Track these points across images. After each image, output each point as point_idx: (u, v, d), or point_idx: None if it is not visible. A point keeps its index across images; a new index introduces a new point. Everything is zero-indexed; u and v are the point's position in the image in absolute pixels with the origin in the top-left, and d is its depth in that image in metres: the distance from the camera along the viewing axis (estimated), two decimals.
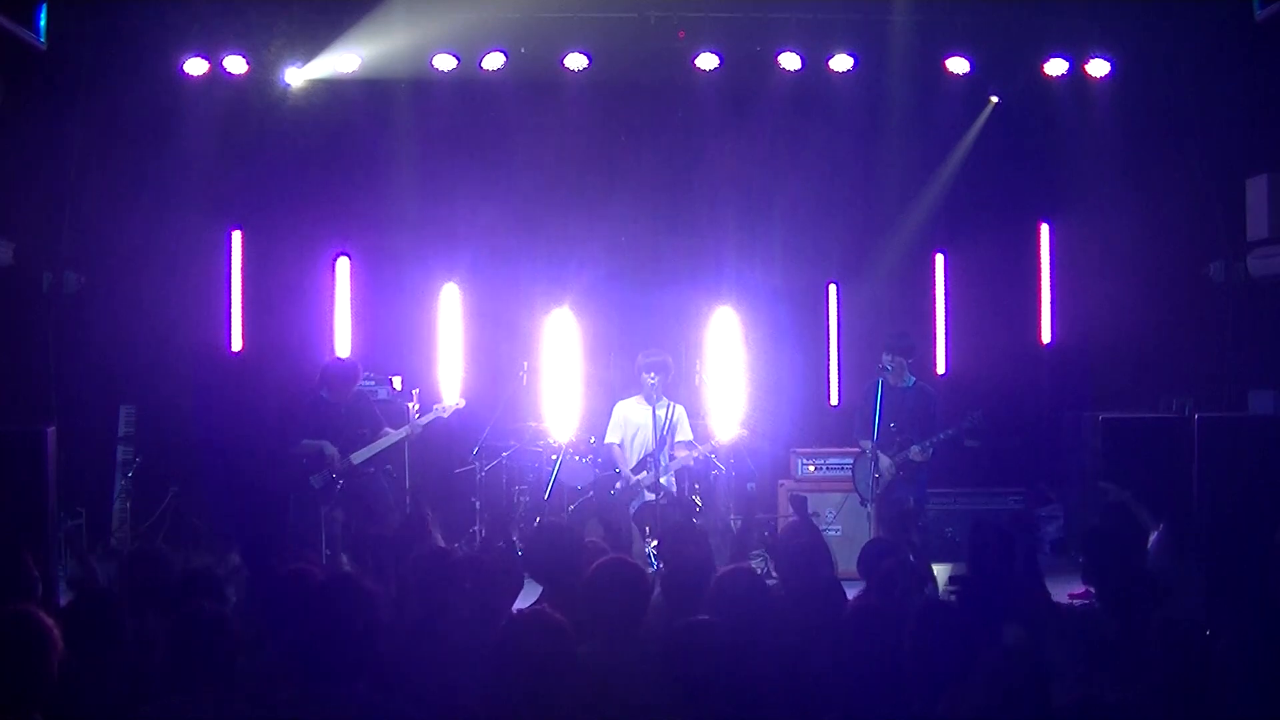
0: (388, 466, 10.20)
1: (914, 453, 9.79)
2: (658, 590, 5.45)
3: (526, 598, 5.57)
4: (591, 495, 10.50)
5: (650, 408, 10.26)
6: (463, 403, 10.59)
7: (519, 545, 9.59)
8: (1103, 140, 11.97)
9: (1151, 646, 4.65)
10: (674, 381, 10.53)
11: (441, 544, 6.62)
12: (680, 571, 5.43)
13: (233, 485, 11.04)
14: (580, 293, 12.34)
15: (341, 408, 9.92)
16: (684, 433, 10.34)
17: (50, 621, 4.08)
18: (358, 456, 9.83)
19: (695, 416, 10.87)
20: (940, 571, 8.18)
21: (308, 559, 6.51)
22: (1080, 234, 12.48)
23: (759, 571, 6.80)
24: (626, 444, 10.39)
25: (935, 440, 9.82)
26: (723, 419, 11.35)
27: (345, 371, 10.11)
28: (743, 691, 4.31)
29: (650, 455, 10.13)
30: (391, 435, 10.00)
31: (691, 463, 10.31)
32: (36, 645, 4.01)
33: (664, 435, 10.12)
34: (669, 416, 10.19)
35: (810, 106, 12.01)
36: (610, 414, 10.70)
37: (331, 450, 9.75)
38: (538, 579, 5.71)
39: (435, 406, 10.43)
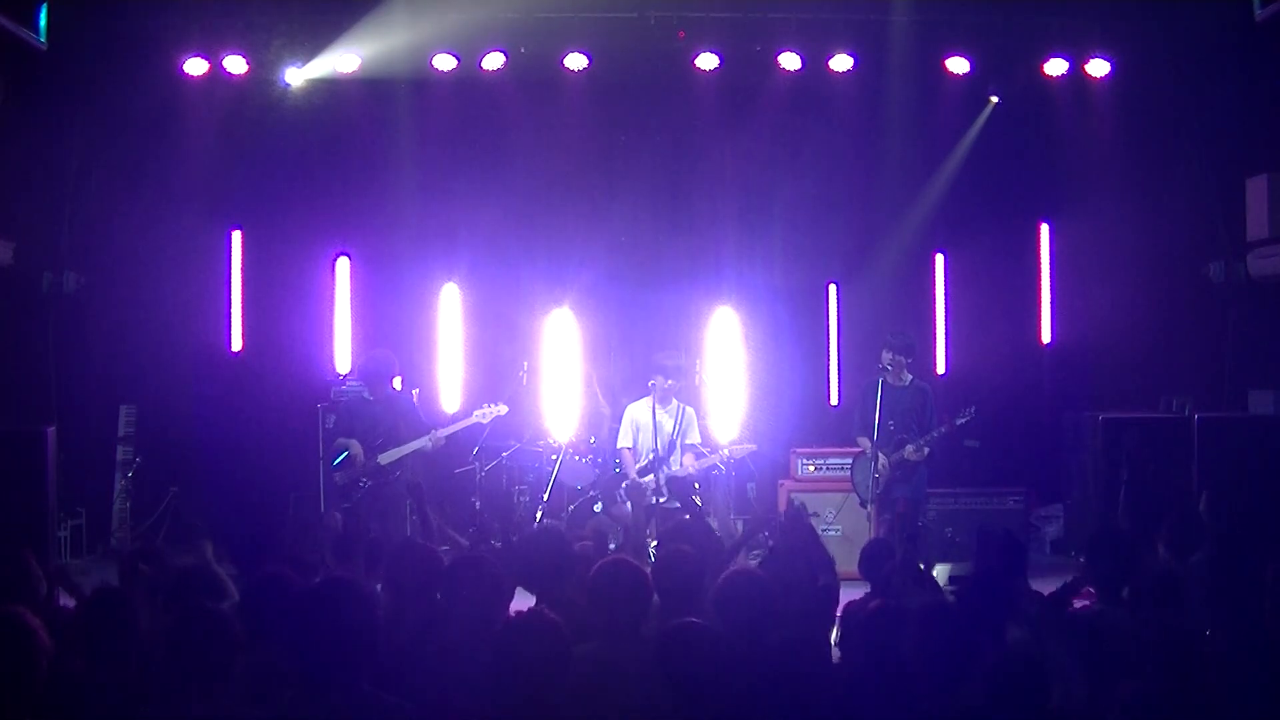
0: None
1: (908, 452, 9.78)
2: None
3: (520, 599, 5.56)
4: (594, 494, 10.47)
5: (660, 409, 10.18)
6: (504, 409, 10.37)
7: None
8: (1103, 140, 11.97)
9: (1152, 647, 4.65)
10: (685, 385, 10.45)
11: (465, 544, 6.61)
12: (676, 572, 5.42)
13: (233, 485, 11.05)
14: (580, 293, 12.34)
15: (377, 406, 9.76)
16: (694, 436, 10.27)
17: (38, 623, 4.07)
18: (385, 457, 9.66)
19: (699, 419, 10.84)
20: (940, 572, 8.20)
21: (303, 560, 6.51)
22: (1080, 234, 12.47)
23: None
24: (637, 447, 10.31)
25: (930, 439, 9.81)
26: (730, 430, 11.31)
27: (382, 364, 9.91)
28: (738, 693, 4.31)
29: (657, 459, 10.08)
30: (420, 440, 9.76)
31: (692, 470, 10.22)
32: (25, 647, 4.01)
33: (673, 439, 10.06)
34: (679, 420, 10.10)
35: (810, 106, 12.01)
36: (621, 417, 10.57)
37: (357, 449, 9.61)
38: (528, 586, 5.69)
39: (475, 412, 10.29)
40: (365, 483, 9.62)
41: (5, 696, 3.95)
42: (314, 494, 10.98)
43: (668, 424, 10.11)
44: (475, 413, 10.32)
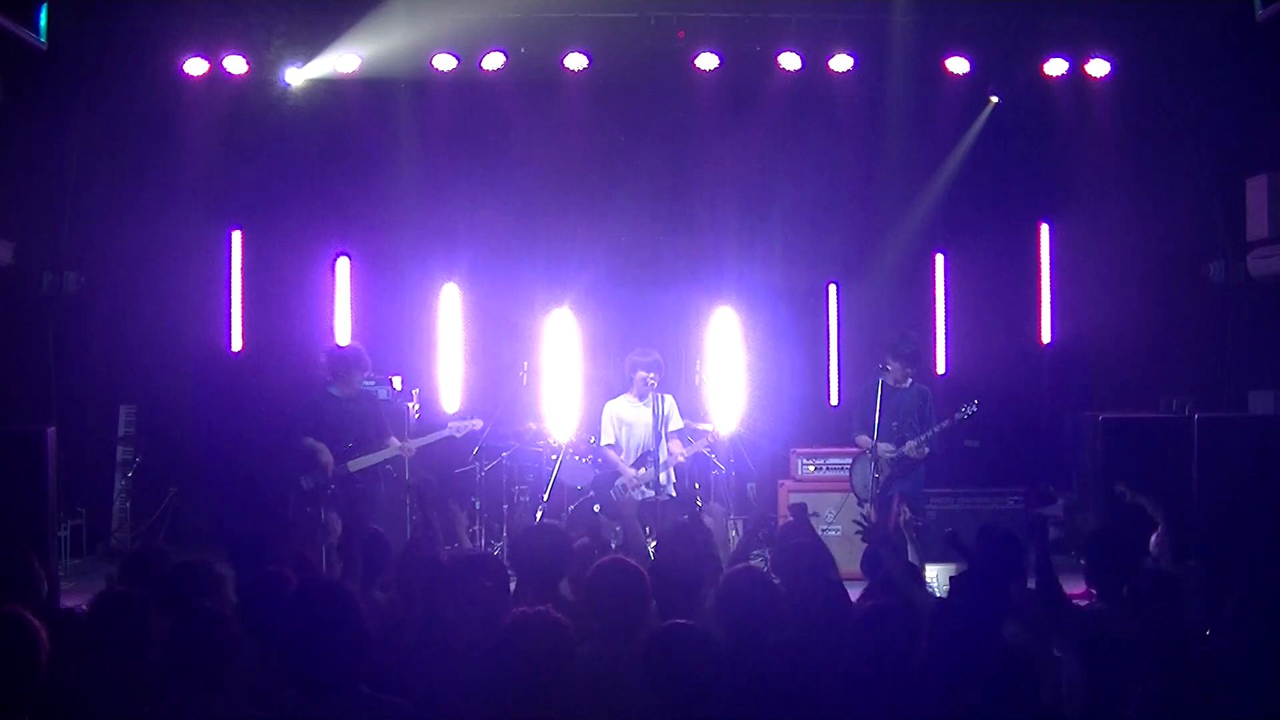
0: (387, 467, 10.05)
1: (909, 448, 9.76)
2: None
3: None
4: (592, 495, 10.47)
5: (644, 405, 10.17)
6: (479, 423, 10.30)
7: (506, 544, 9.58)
8: (1103, 140, 11.98)
9: (1153, 647, 4.65)
10: (666, 379, 10.47)
11: (471, 546, 6.58)
12: (675, 571, 5.43)
13: (233, 485, 11.04)
14: (580, 293, 12.34)
15: (347, 405, 9.56)
16: (675, 422, 10.25)
17: (38, 622, 4.07)
18: (355, 465, 9.48)
19: (693, 416, 10.84)
20: (940, 571, 8.20)
21: (303, 560, 6.51)
22: (1080, 234, 12.47)
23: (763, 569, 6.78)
24: (622, 443, 10.33)
25: (931, 434, 9.79)
26: (721, 416, 11.32)
27: (351, 358, 9.66)
28: (729, 695, 4.31)
29: (649, 452, 10.09)
30: (391, 449, 9.63)
31: (682, 458, 10.23)
32: (24, 647, 4.00)
33: (658, 430, 10.06)
34: (660, 409, 10.11)
35: (810, 106, 12.01)
36: (600, 416, 10.56)
37: (326, 456, 9.38)
38: (521, 577, 5.70)
39: (450, 424, 10.20)
40: (332, 489, 9.40)
41: (6, 697, 3.95)
42: (303, 495, 10.95)
43: (649, 416, 10.07)
44: (450, 424, 10.22)
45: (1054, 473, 12.10)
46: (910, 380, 10.02)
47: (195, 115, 11.66)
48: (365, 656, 4.03)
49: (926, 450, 9.79)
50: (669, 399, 10.23)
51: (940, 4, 11.44)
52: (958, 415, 9.78)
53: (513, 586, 5.77)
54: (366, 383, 10.07)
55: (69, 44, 10.82)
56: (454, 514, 7.16)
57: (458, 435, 10.21)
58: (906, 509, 9.42)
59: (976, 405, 9.77)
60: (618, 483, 10.22)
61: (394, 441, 9.71)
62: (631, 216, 12.31)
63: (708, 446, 10.56)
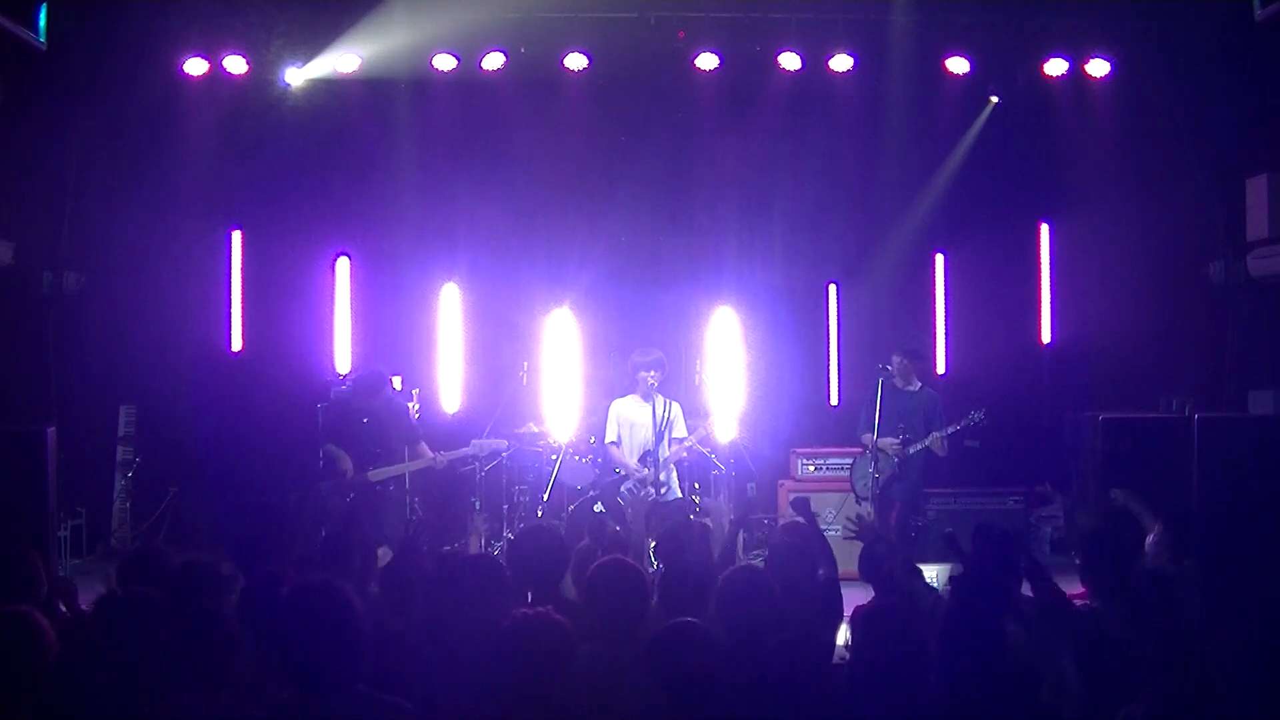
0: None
1: (934, 440, 9.71)
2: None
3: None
4: (595, 494, 10.46)
5: (648, 405, 10.20)
6: (505, 444, 10.35)
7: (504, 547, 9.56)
8: (1103, 140, 11.98)
9: (1151, 646, 4.65)
10: (669, 378, 10.48)
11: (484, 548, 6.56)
12: (677, 572, 5.43)
13: (233, 485, 11.05)
14: (580, 293, 12.34)
15: (367, 415, 9.58)
16: (680, 430, 10.27)
17: (45, 623, 4.08)
18: (377, 474, 9.45)
19: (693, 416, 10.84)
20: (940, 571, 8.20)
21: (309, 559, 6.50)
22: (1080, 234, 12.47)
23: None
24: (625, 442, 10.34)
25: (946, 434, 9.79)
26: (721, 418, 11.33)
27: (375, 379, 9.78)
28: (732, 693, 4.31)
29: (650, 453, 10.10)
30: (422, 460, 9.65)
31: (684, 454, 10.25)
32: (31, 646, 4.01)
33: (662, 431, 10.08)
34: (666, 414, 10.14)
35: (810, 106, 12.01)
36: (606, 414, 10.58)
37: (347, 464, 9.39)
38: (519, 578, 5.70)
39: (473, 441, 10.19)
40: (351, 497, 9.37)
41: (12, 695, 3.96)
42: (315, 494, 10.96)
43: (653, 416, 10.09)
44: (473, 442, 10.19)
45: (1054, 473, 12.11)
46: (919, 384, 10.02)
47: (195, 115, 11.66)
48: (362, 656, 4.03)
49: (946, 445, 9.75)
50: (676, 406, 10.25)
51: (940, 4, 11.44)
52: (965, 421, 9.78)
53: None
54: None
55: (69, 44, 10.83)
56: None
57: (481, 454, 10.25)
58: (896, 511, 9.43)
59: (984, 415, 9.76)
60: (624, 487, 10.19)
61: (425, 452, 9.71)
62: (631, 216, 12.31)
63: (703, 442, 10.55)
